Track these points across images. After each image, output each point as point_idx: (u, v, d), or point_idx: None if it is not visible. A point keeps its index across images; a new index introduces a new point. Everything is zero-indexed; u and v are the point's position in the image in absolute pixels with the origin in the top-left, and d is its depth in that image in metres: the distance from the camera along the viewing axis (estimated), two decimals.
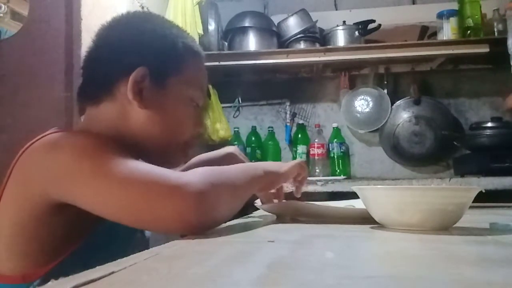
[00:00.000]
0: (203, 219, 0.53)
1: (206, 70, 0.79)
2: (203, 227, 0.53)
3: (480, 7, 2.02)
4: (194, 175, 0.55)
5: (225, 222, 0.62)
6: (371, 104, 2.29)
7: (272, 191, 0.84)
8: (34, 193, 0.57)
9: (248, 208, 0.86)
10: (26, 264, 0.59)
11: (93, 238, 0.63)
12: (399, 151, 2.26)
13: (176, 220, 0.52)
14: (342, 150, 2.24)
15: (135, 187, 0.53)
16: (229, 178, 0.60)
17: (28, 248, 0.59)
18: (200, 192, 0.52)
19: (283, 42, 2.19)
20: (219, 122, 2.08)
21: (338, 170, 2.22)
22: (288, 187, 0.89)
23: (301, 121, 2.36)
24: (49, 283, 0.28)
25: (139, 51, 0.70)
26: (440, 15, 2.10)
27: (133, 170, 0.54)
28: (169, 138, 0.72)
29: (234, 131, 2.29)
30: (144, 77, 0.68)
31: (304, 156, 2.24)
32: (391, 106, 2.25)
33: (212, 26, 2.10)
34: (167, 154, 0.74)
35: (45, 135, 0.62)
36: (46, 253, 0.59)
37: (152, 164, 0.58)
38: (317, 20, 2.19)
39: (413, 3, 2.39)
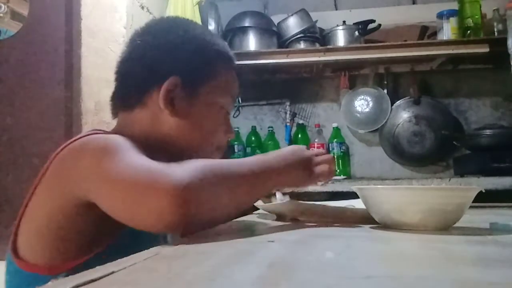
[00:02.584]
0: (184, 218, 0.48)
1: None
2: (188, 226, 0.49)
3: (480, 7, 2.02)
4: (183, 170, 0.51)
5: (228, 219, 0.61)
6: (371, 104, 2.29)
7: None
8: (64, 191, 0.59)
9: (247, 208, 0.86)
10: (54, 256, 0.60)
11: (118, 240, 0.63)
12: (399, 151, 2.26)
13: (154, 219, 0.49)
14: (342, 150, 2.24)
15: (123, 185, 0.53)
16: (229, 171, 0.56)
17: (57, 241, 0.60)
18: (180, 189, 0.48)
19: (283, 42, 2.19)
20: None
21: (338, 170, 2.22)
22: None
23: (301, 121, 2.36)
24: (49, 283, 0.28)
25: (171, 60, 0.71)
26: (440, 15, 2.10)
27: (128, 167, 0.53)
28: (199, 144, 0.74)
29: (234, 131, 2.28)
30: (176, 86, 0.70)
31: None
32: (391, 106, 2.25)
33: (212, 26, 2.10)
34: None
35: (84, 136, 0.64)
36: (74, 249, 0.61)
37: None
38: (317, 20, 2.19)
39: (413, 3, 2.39)
